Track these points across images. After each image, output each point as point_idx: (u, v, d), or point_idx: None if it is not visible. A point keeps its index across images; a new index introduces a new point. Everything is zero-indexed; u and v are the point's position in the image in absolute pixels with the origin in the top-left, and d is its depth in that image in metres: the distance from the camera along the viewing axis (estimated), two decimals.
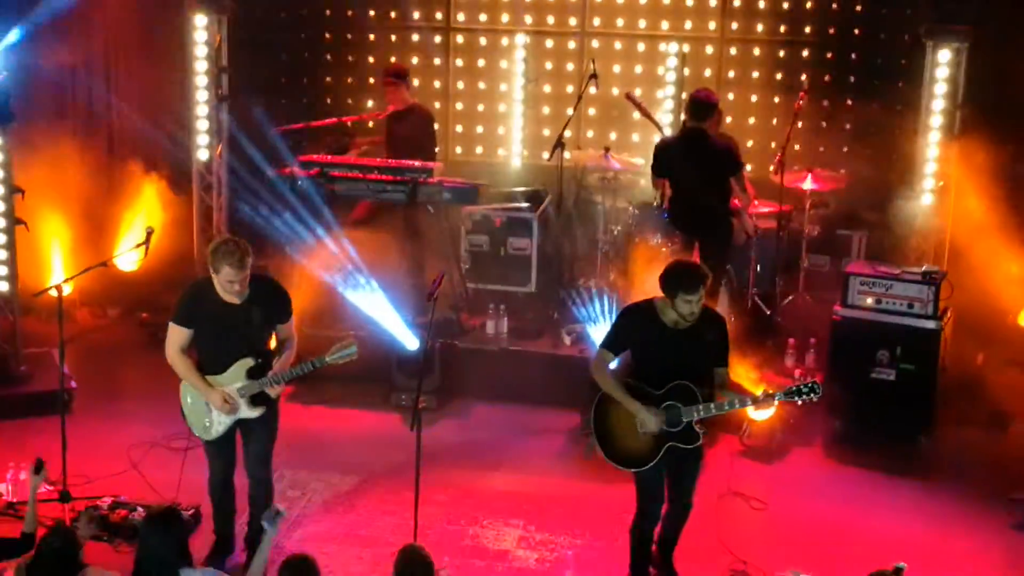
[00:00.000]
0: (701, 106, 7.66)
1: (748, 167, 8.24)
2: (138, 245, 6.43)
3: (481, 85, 9.85)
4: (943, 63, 8.23)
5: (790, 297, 8.48)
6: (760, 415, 7.14)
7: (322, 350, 5.67)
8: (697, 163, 7.60)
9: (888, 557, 5.96)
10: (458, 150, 9.96)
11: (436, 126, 8.87)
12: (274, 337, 5.75)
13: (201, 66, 9.05)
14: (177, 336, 5.64)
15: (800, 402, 5.40)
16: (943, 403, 7.62)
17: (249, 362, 5.57)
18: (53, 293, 6.34)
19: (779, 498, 6.76)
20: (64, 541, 4.80)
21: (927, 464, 7.20)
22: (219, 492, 5.93)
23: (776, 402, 5.36)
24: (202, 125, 9.18)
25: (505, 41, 9.74)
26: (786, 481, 7.00)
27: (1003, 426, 7.71)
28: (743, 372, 6.92)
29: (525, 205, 8.79)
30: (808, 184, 8.35)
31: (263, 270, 6.47)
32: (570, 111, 8.80)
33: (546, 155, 8.78)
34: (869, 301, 7.46)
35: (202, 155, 9.23)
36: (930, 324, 7.33)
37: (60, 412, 6.28)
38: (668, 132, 8.55)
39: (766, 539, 6.34)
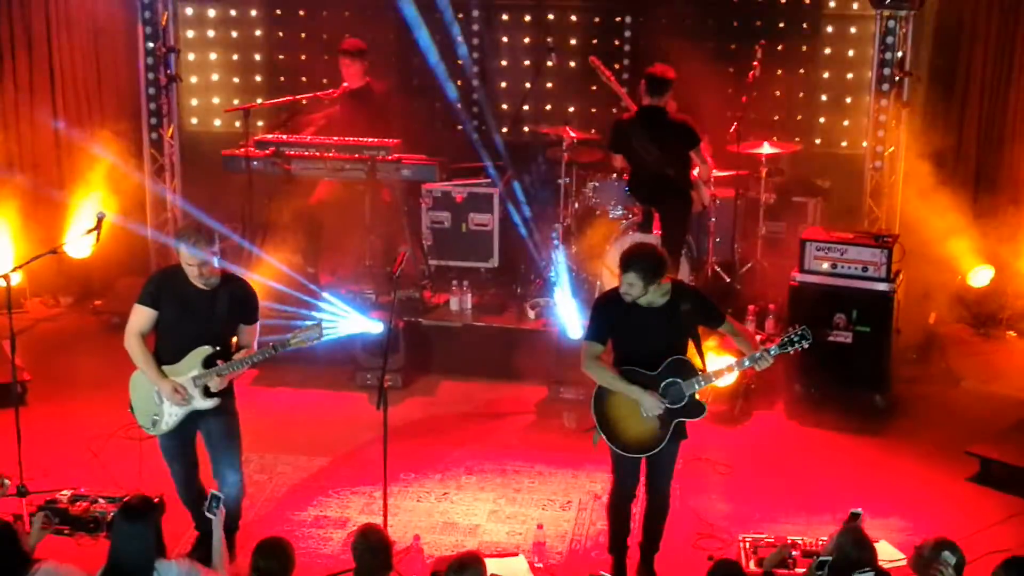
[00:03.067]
0: (657, 82, 7.70)
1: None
2: (89, 231, 6.17)
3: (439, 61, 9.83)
4: (891, 31, 8.39)
5: (748, 264, 8.64)
6: (723, 381, 7.28)
7: (285, 333, 5.55)
8: (655, 141, 7.66)
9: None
10: (416, 127, 9.93)
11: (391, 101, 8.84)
12: (234, 342, 5.57)
13: (149, 46, 8.88)
14: (139, 318, 5.48)
15: (793, 351, 5.38)
16: (898, 363, 7.84)
17: (207, 350, 5.43)
18: (1, 283, 6.12)
19: (743, 461, 6.91)
20: (4, 540, 4.57)
21: (884, 422, 7.40)
22: (187, 496, 5.74)
23: (772, 358, 5.32)
24: (151, 107, 9.01)
25: (461, 16, 9.73)
26: (750, 444, 7.15)
27: (955, 383, 7.94)
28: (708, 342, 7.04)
29: (486, 181, 8.83)
30: (764, 152, 8.50)
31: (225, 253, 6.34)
32: (528, 85, 8.85)
33: (505, 129, 8.83)
34: (825, 266, 7.63)
35: (153, 137, 9.10)
36: (883, 287, 7.52)
37: (13, 405, 6.07)
38: (630, 100, 8.59)
39: (732, 502, 6.48)
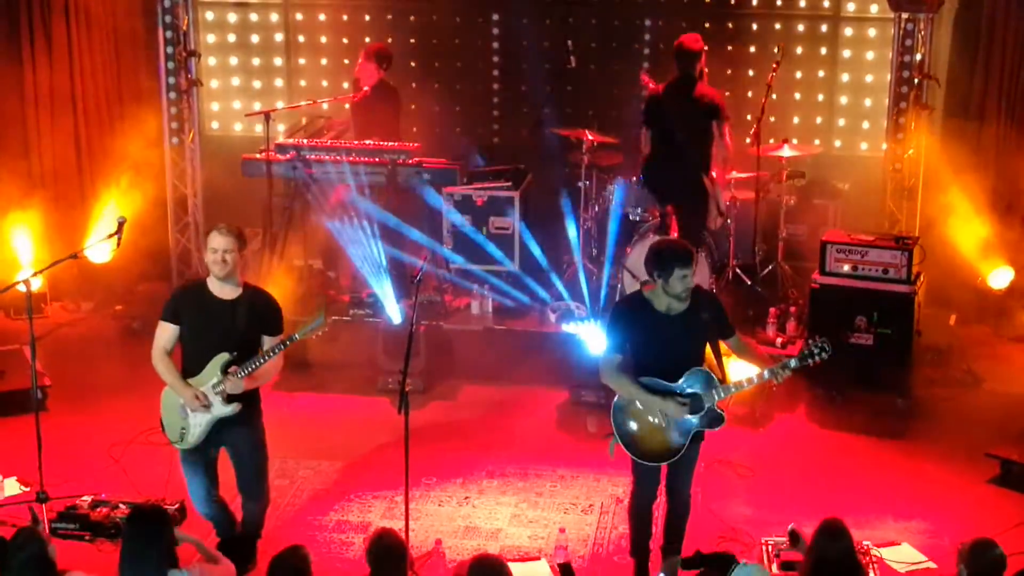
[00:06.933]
0: (687, 53, 7.84)
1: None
2: (110, 236, 6.13)
3: (459, 64, 9.89)
4: (909, 33, 8.40)
5: (769, 267, 8.65)
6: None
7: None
8: (684, 107, 7.77)
9: (872, 516, 6.27)
10: (436, 130, 10.00)
11: (413, 106, 8.87)
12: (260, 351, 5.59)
13: (170, 51, 8.91)
14: (162, 334, 5.56)
15: (812, 364, 5.39)
16: (918, 364, 7.85)
17: (224, 356, 5.48)
18: (21, 288, 6.08)
19: (764, 464, 6.93)
20: (33, 548, 4.53)
21: (905, 424, 7.41)
22: (207, 511, 5.77)
23: (791, 371, 5.35)
24: (172, 111, 9.04)
25: (481, 20, 9.78)
26: (771, 447, 7.17)
27: (976, 385, 7.94)
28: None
29: (507, 184, 8.87)
30: (784, 154, 8.51)
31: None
32: (548, 88, 8.88)
33: (525, 133, 8.88)
34: (846, 268, 7.66)
35: (174, 141, 9.12)
36: (904, 289, 7.54)
37: (34, 411, 6.07)
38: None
39: (754, 505, 6.51)
